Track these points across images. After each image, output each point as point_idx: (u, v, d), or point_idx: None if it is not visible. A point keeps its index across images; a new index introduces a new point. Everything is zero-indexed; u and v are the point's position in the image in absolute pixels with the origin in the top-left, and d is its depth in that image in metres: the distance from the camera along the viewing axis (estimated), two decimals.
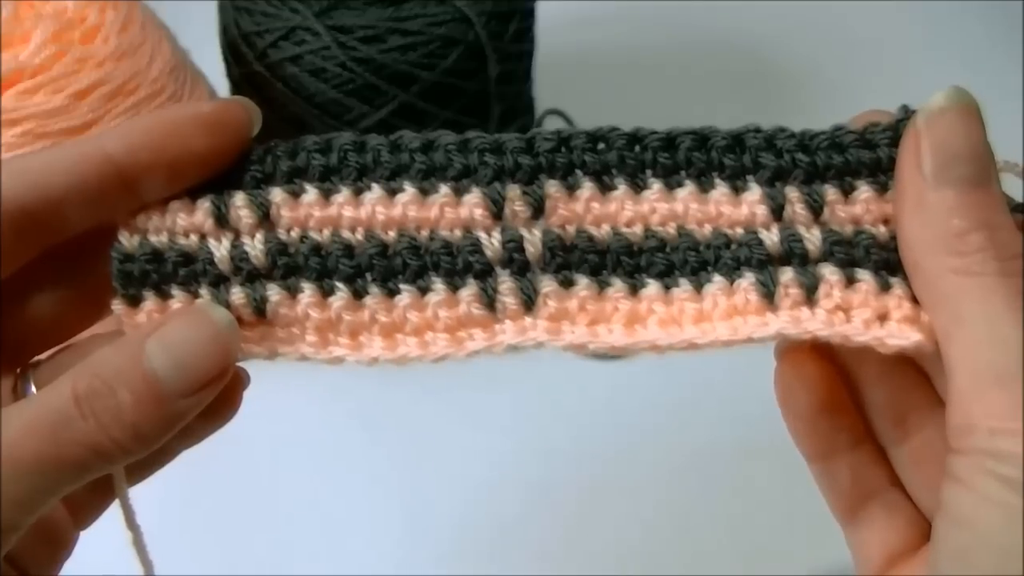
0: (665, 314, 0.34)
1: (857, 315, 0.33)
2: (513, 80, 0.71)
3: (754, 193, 0.35)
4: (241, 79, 0.70)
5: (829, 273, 0.34)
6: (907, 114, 0.34)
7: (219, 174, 0.35)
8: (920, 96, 0.34)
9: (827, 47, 0.92)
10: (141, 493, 0.37)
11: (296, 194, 0.35)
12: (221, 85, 0.73)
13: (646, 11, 0.93)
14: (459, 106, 0.68)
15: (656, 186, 0.35)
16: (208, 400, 0.32)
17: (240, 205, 0.34)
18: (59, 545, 0.37)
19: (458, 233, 0.35)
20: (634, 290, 0.35)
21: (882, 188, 0.34)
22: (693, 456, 0.63)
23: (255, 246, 0.34)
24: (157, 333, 0.32)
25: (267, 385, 0.38)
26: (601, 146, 0.35)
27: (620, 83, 0.87)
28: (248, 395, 0.36)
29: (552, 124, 0.80)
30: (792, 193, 0.34)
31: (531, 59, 0.74)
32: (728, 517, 0.61)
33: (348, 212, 0.35)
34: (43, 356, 0.36)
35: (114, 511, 0.36)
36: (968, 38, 0.92)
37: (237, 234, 0.35)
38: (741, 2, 0.94)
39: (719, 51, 0.92)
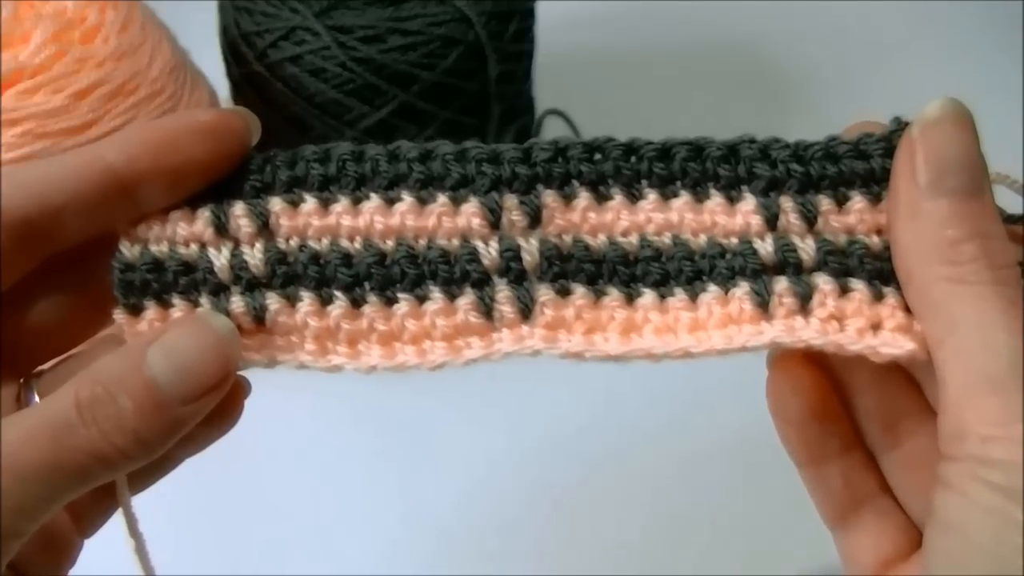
0: (660, 323, 0.35)
1: (851, 324, 0.34)
2: (513, 80, 0.71)
3: (749, 203, 0.35)
4: (241, 79, 0.70)
5: (823, 282, 0.34)
6: (900, 125, 0.34)
7: (219, 183, 0.35)
8: (919, 96, 0.34)
9: (827, 47, 0.92)
10: (144, 501, 0.37)
11: (295, 203, 0.35)
12: (221, 85, 0.73)
13: (646, 11, 0.93)
14: (459, 106, 0.68)
15: (652, 196, 0.35)
16: (209, 407, 0.32)
17: (239, 214, 0.35)
18: (63, 553, 0.37)
19: (456, 242, 0.35)
20: (630, 299, 0.35)
21: (875, 198, 0.34)
22: (691, 457, 0.63)
23: (254, 255, 0.35)
24: (158, 341, 0.32)
25: (269, 391, 0.38)
26: (597, 156, 0.35)
27: (620, 83, 0.87)
28: (250, 402, 0.36)
29: (552, 124, 0.80)
30: (786, 203, 0.35)
31: (531, 59, 0.74)
32: (726, 518, 0.61)
33: (347, 221, 0.35)
34: (46, 366, 0.36)
35: (117, 519, 0.37)
36: (968, 38, 0.91)
37: (237, 243, 0.35)
38: (741, 2, 0.94)
39: (719, 51, 0.92)
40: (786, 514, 0.51)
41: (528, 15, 0.72)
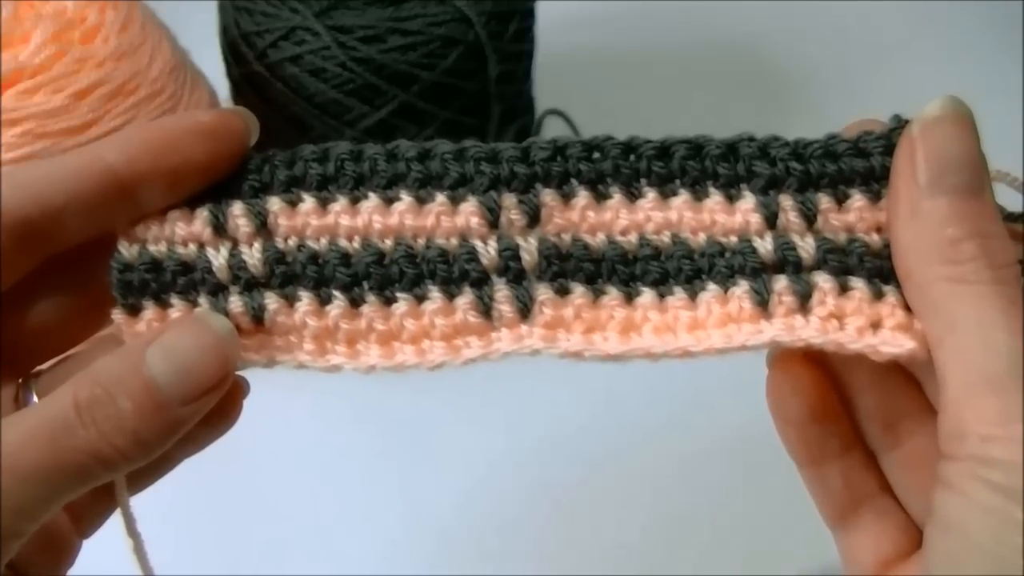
0: (660, 322, 0.35)
1: (850, 323, 0.33)
2: (513, 80, 0.71)
3: (748, 201, 0.35)
4: (241, 79, 0.70)
5: (823, 281, 0.34)
6: (900, 123, 0.34)
7: (217, 183, 0.35)
8: (919, 96, 0.34)
9: (827, 47, 0.92)
10: (143, 501, 0.37)
11: (293, 203, 0.35)
12: (221, 85, 0.73)
13: (646, 11, 0.93)
14: (459, 106, 0.68)
15: (651, 195, 0.35)
16: (208, 407, 0.32)
17: (238, 214, 0.35)
18: (62, 553, 0.37)
19: (454, 241, 0.35)
20: (629, 298, 0.35)
21: (875, 196, 0.34)
22: (691, 457, 0.63)
23: (253, 255, 0.35)
24: (157, 341, 0.32)
25: (269, 391, 0.38)
26: (596, 155, 0.35)
27: (620, 83, 0.87)
28: (249, 402, 0.36)
29: (552, 124, 0.80)
30: (786, 201, 0.35)
31: (531, 59, 0.74)
32: (726, 518, 0.61)
33: (345, 221, 0.35)
34: (44, 366, 0.36)
35: (116, 519, 0.37)
36: (968, 38, 0.91)
37: (235, 243, 0.35)
38: (742, 2, 0.94)
39: (719, 51, 0.92)
40: (786, 514, 0.51)
41: (528, 15, 0.72)
